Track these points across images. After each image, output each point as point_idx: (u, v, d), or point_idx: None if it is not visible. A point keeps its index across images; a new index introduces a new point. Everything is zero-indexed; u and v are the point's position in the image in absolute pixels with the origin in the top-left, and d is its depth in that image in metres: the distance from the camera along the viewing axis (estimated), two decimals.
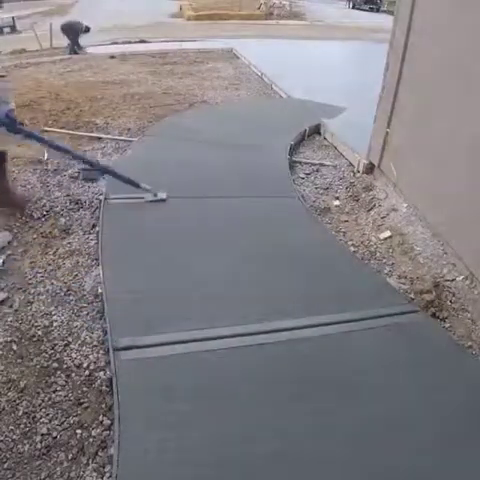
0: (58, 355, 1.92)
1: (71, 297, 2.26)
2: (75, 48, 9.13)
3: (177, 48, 9.32)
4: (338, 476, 1.44)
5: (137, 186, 3.03)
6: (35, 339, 1.99)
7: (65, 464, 1.51)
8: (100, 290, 2.24)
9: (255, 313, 2.08)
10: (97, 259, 2.50)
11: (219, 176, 3.51)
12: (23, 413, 1.66)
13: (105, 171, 3.16)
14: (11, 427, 1.61)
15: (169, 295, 2.19)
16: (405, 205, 3.29)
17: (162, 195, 3.09)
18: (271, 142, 4.17)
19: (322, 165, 4.09)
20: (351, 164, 4.07)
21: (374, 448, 1.54)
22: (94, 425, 1.64)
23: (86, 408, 1.70)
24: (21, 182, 3.33)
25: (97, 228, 2.80)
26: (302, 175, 3.89)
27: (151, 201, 3.05)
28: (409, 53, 3.19)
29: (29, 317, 2.11)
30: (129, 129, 4.56)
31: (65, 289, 2.31)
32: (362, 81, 5.99)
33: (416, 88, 3.14)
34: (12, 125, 2.63)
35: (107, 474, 1.47)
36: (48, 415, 1.66)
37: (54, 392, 1.76)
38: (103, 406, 1.71)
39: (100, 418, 1.66)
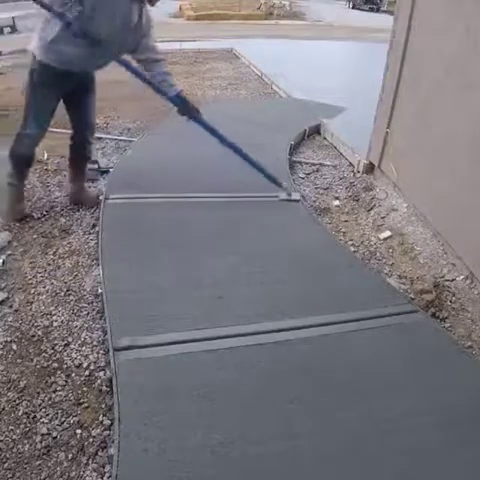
0: (58, 355, 1.92)
1: (71, 297, 2.26)
2: None
3: (177, 48, 9.31)
4: (338, 476, 1.44)
5: (279, 185, 3.13)
6: (35, 339, 1.99)
7: (65, 464, 1.51)
8: (100, 290, 2.24)
9: (255, 313, 2.09)
10: (97, 259, 2.51)
11: (219, 176, 3.51)
12: (23, 413, 1.66)
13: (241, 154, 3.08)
14: (11, 427, 1.61)
15: (169, 295, 2.19)
16: (405, 205, 3.29)
17: (296, 196, 3.17)
18: (271, 142, 4.17)
19: (322, 165, 4.09)
20: (351, 164, 4.08)
21: (374, 448, 1.54)
22: (94, 425, 1.64)
23: (86, 408, 1.70)
24: None
25: (97, 228, 2.80)
26: (302, 175, 3.89)
27: (284, 200, 3.13)
28: (409, 53, 3.19)
29: (29, 317, 2.11)
30: (129, 129, 4.57)
31: (65, 289, 2.31)
32: (362, 81, 6.00)
33: (416, 88, 3.15)
34: (186, 108, 2.75)
35: (107, 474, 1.47)
36: (48, 415, 1.66)
37: (54, 392, 1.76)
38: (103, 406, 1.71)
39: (100, 418, 1.66)
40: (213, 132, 2.93)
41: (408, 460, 1.49)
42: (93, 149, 3.12)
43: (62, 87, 2.58)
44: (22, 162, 2.74)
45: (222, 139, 2.98)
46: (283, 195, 3.16)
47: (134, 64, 2.67)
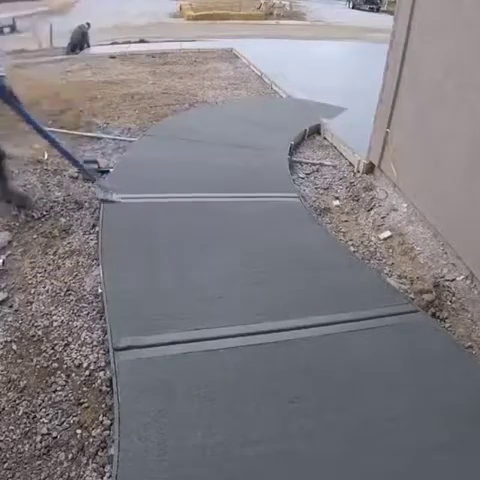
0: (58, 355, 1.92)
1: (71, 297, 2.26)
2: (77, 51, 9.21)
3: (177, 48, 9.32)
4: (338, 476, 1.44)
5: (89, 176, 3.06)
6: (35, 339, 1.99)
7: (65, 464, 1.51)
8: (100, 290, 2.24)
9: (255, 313, 2.08)
10: (97, 259, 2.50)
11: (219, 176, 3.51)
12: (23, 413, 1.66)
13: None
14: (11, 427, 1.61)
15: (169, 295, 2.19)
16: (405, 205, 3.29)
17: (116, 198, 2.96)
18: (271, 142, 4.17)
19: (322, 165, 4.09)
20: (351, 164, 4.08)
21: (374, 448, 1.54)
22: (94, 425, 1.64)
23: (86, 408, 1.70)
24: (21, 182, 3.33)
25: (97, 228, 2.80)
26: (302, 175, 3.89)
27: (104, 200, 2.95)
28: (409, 53, 3.19)
29: (29, 317, 2.11)
30: (129, 129, 4.56)
31: (65, 289, 2.31)
32: (362, 81, 5.99)
33: (416, 88, 3.15)
34: (2, 92, 2.51)
35: (107, 474, 1.47)
36: (48, 415, 1.66)
37: (54, 392, 1.76)
38: (103, 406, 1.71)
39: (100, 418, 1.66)
40: (26, 118, 2.78)
41: (408, 460, 1.49)
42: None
43: None
44: None
45: (30, 121, 2.81)
46: (101, 195, 2.98)
47: None
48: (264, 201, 3.22)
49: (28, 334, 2.01)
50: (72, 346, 1.96)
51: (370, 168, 3.84)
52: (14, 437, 1.58)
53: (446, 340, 2.06)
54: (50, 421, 1.64)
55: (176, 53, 8.80)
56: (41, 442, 1.57)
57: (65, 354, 1.92)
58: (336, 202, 3.47)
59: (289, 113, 5.24)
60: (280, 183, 3.49)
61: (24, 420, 1.64)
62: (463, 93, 2.59)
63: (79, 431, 1.61)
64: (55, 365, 1.87)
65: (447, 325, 2.27)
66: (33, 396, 1.73)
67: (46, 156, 3.74)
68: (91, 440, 1.59)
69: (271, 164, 3.82)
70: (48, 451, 1.55)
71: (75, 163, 3.10)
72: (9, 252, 2.56)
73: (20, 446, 1.55)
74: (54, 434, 1.60)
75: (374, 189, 3.63)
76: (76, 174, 3.52)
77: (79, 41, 9.41)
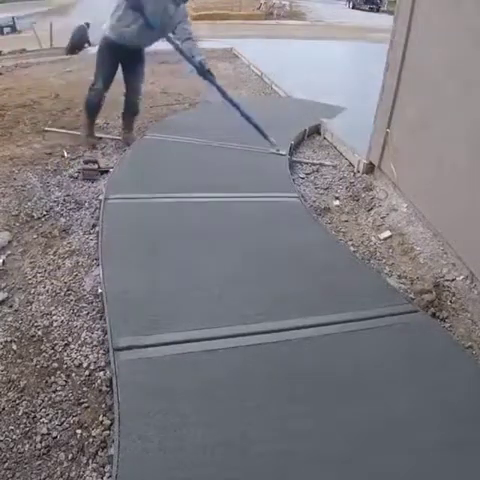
0: (58, 355, 1.92)
1: (71, 297, 2.26)
2: (77, 51, 9.22)
3: None
4: (338, 476, 1.44)
5: (265, 136, 3.84)
6: (35, 339, 1.99)
7: (65, 464, 1.51)
8: (100, 290, 2.24)
9: (255, 313, 2.08)
10: (97, 259, 2.50)
11: (219, 175, 3.51)
12: (23, 413, 1.66)
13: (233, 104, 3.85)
14: (11, 427, 1.61)
15: (169, 295, 2.19)
16: (405, 205, 3.29)
17: (283, 151, 3.85)
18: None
19: (322, 165, 4.09)
20: (351, 164, 4.08)
21: (374, 448, 1.54)
22: (94, 425, 1.64)
23: (86, 408, 1.70)
24: (21, 182, 3.33)
25: (97, 228, 2.80)
26: (302, 175, 3.89)
27: (273, 153, 3.83)
28: (409, 53, 3.19)
29: (29, 317, 2.11)
30: None
31: (65, 289, 2.31)
32: (362, 81, 6.00)
33: (416, 88, 3.15)
34: (202, 70, 3.62)
35: (107, 474, 1.47)
36: (48, 415, 1.66)
37: (54, 392, 1.76)
38: (103, 406, 1.71)
39: (100, 418, 1.66)
40: (223, 93, 3.81)
41: (408, 460, 1.49)
42: (141, 105, 4.10)
43: (119, 56, 3.65)
44: (92, 108, 3.90)
45: (226, 96, 3.84)
46: (272, 149, 3.87)
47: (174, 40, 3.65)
48: (264, 201, 3.22)
49: (28, 334, 2.01)
50: (72, 346, 1.96)
51: (370, 168, 3.84)
52: (14, 437, 1.58)
53: (446, 340, 2.06)
54: (50, 421, 1.64)
55: (176, 53, 8.78)
56: (41, 442, 1.57)
57: (65, 354, 1.92)
58: (336, 202, 3.47)
59: (289, 113, 5.24)
60: (280, 183, 3.49)
61: (24, 420, 1.64)
62: (463, 93, 2.59)
63: (79, 431, 1.61)
64: (55, 365, 1.87)
65: (447, 325, 2.27)
66: (33, 396, 1.73)
67: (66, 154, 3.79)
68: (91, 440, 1.59)
69: (271, 164, 3.82)
70: (48, 451, 1.55)
71: (259, 130, 3.88)
72: (9, 252, 2.56)
73: (20, 446, 1.55)
74: (54, 434, 1.60)
75: (374, 189, 3.63)
76: (76, 174, 3.53)
77: (79, 41, 9.42)
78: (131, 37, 3.49)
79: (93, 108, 3.91)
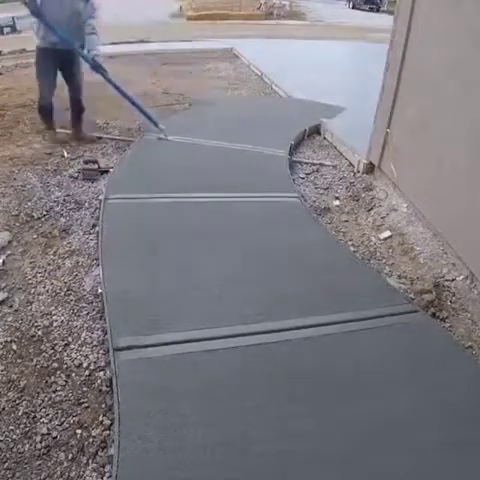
0: (58, 355, 1.92)
1: (71, 297, 2.26)
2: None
3: (177, 48, 9.31)
4: (338, 476, 1.44)
5: (156, 124, 4.07)
6: (35, 339, 1.99)
7: (65, 464, 1.51)
8: (100, 290, 2.24)
9: (255, 313, 2.08)
10: (97, 259, 2.50)
11: (219, 176, 3.51)
12: (23, 413, 1.66)
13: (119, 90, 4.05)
14: (11, 427, 1.61)
15: (169, 295, 2.19)
16: (405, 205, 3.29)
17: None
18: (271, 142, 4.17)
19: (322, 165, 4.09)
20: (351, 164, 4.07)
21: (374, 448, 1.54)
22: (94, 425, 1.64)
23: (86, 408, 1.70)
24: (21, 182, 3.33)
25: (97, 228, 2.80)
26: (302, 175, 3.89)
27: (161, 139, 4.05)
28: (409, 53, 3.19)
29: (29, 317, 2.11)
30: (129, 129, 4.56)
31: (65, 289, 2.31)
32: (362, 81, 6.00)
33: (416, 88, 3.15)
34: (95, 65, 3.78)
35: (107, 474, 1.47)
36: (48, 415, 1.66)
37: (54, 392, 1.76)
38: (103, 406, 1.71)
39: (100, 418, 1.66)
40: (115, 87, 4.01)
41: (408, 460, 1.49)
42: (83, 103, 4.18)
43: (54, 60, 3.80)
44: (44, 111, 4.06)
45: (119, 90, 4.04)
46: (161, 135, 4.10)
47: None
48: (264, 201, 3.22)
49: (28, 334, 2.01)
50: (72, 346, 1.97)
51: (370, 168, 3.84)
52: (14, 437, 1.58)
53: (446, 340, 2.06)
54: (50, 421, 1.64)
55: (176, 53, 8.79)
56: (41, 442, 1.57)
57: (65, 354, 1.92)
58: (336, 202, 3.47)
59: (289, 113, 5.24)
60: (280, 183, 3.49)
61: (24, 420, 1.64)
62: (463, 93, 2.59)
63: (79, 431, 1.62)
64: (55, 365, 1.87)
65: (447, 325, 2.27)
66: (33, 396, 1.73)
67: (66, 154, 3.79)
68: (91, 440, 1.59)
69: (271, 164, 3.82)
70: (48, 451, 1.55)
71: (145, 114, 4.13)
72: (9, 252, 2.56)
73: (20, 446, 1.55)
74: (54, 434, 1.60)
75: (374, 189, 3.63)
76: (76, 174, 3.53)
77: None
78: (52, 39, 3.65)
79: (45, 111, 4.07)
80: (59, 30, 3.58)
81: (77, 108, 4.17)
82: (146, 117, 4.12)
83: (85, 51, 3.73)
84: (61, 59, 3.79)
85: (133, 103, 4.09)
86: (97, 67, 3.81)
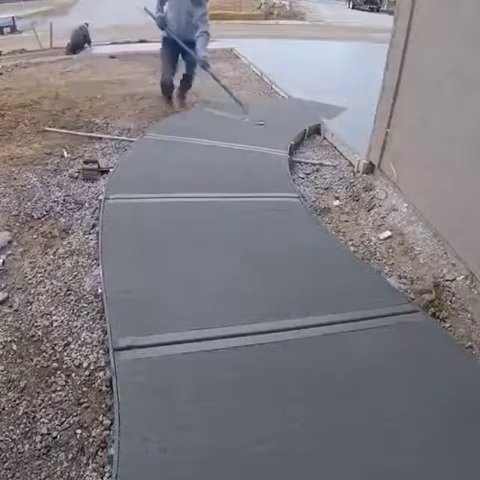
0: (58, 355, 1.92)
1: (71, 297, 2.26)
2: (77, 51, 9.24)
3: None
4: (338, 476, 1.44)
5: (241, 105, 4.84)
6: (35, 339, 1.99)
7: (65, 464, 1.51)
8: (100, 290, 2.24)
9: (255, 313, 2.08)
10: (97, 259, 2.50)
11: (219, 176, 3.51)
12: (23, 413, 1.66)
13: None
14: (11, 427, 1.61)
15: (169, 295, 2.19)
16: (405, 205, 3.29)
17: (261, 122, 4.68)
18: (271, 142, 4.17)
19: (322, 165, 4.09)
20: (351, 164, 4.07)
21: (374, 448, 1.54)
22: (94, 425, 1.64)
23: (86, 408, 1.70)
24: (21, 182, 3.33)
25: (97, 228, 2.80)
26: (302, 175, 3.89)
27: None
28: (409, 53, 3.19)
29: (29, 317, 2.11)
30: (129, 129, 4.56)
31: (65, 289, 2.31)
32: (362, 81, 5.99)
33: (416, 88, 3.15)
34: (203, 62, 4.89)
35: (107, 474, 1.47)
36: (48, 415, 1.66)
37: (54, 392, 1.76)
38: (103, 406, 1.71)
39: (100, 418, 1.66)
40: (214, 77, 5.09)
41: (408, 460, 1.49)
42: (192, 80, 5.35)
43: (175, 47, 4.98)
44: (164, 86, 5.25)
45: (216, 79, 5.17)
46: (246, 119, 4.71)
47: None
48: (264, 201, 3.22)
49: (28, 334, 2.01)
50: (72, 346, 1.97)
51: (370, 168, 3.84)
52: (14, 437, 1.58)
53: (446, 340, 2.06)
54: (50, 421, 1.64)
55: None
56: (41, 442, 1.57)
57: (65, 354, 1.92)
58: (336, 202, 3.47)
59: (289, 113, 5.24)
60: (280, 183, 3.49)
61: (24, 420, 1.64)
62: (463, 93, 2.59)
63: (79, 431, 1.62)
64: (55, 365, 1.87)
65: (447, 325, 2.27)
66: (33, 396, 1.73)
67: (65, 154, 3.78)
68: (91, 440, 1.59)
69: (271, 164, 3.82)
70: (48, 451, 1.55)
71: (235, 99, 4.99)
72: (9, 252, 2.56)
73: (20, 446, 1.55)
74: (54, 434, 1.60)
75: (374, 189, 3.63)
76: (76, 174, 3.53)
77: (79, 41, 9.42)
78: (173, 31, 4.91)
79: (166, 87, 5.27)
80: (179, 37, 4.88)
81: (187, 80, 5.37)
82: (236, 101, 4.92)
83: (196, 49, 4.84)
84: (181, 48, 4.99)
85: (226, 89, 5.09)
86: (203, 63, 4.87)
